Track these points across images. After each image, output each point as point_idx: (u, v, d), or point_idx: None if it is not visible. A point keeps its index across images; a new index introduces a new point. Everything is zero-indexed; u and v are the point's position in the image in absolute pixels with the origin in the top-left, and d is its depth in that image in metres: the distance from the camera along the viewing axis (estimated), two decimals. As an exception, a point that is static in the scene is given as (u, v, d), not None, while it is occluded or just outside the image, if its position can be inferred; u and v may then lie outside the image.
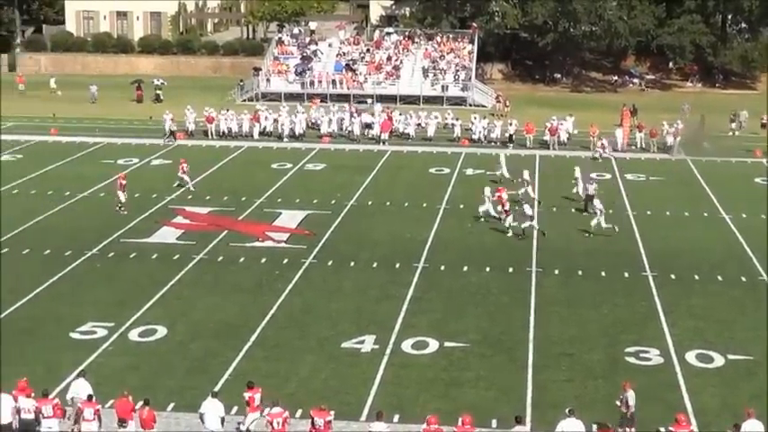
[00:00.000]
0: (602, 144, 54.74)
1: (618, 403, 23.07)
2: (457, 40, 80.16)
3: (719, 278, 34.52)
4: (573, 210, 42.98)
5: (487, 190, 41.42)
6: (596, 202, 40.14)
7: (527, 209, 39.15)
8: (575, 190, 44.58)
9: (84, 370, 24.50)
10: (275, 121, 59.43)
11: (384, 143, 57.61)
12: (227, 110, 61.47)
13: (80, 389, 23.06)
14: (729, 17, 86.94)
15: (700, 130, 58.85)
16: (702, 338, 28.99)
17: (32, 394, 22.45)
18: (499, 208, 40.17)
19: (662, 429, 22.72)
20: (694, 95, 77.07)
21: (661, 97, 78.50)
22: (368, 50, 78.96)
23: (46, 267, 34.73)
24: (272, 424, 21.82)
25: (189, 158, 50.41)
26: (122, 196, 42.10)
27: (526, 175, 44.79)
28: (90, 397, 22.61)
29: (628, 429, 22.65)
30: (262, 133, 58.89)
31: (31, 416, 22.06)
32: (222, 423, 22.29)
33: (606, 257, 36.54)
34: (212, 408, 22.31)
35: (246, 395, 22.80)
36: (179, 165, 46.81)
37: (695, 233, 40.20)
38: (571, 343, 28.62)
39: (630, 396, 22.83)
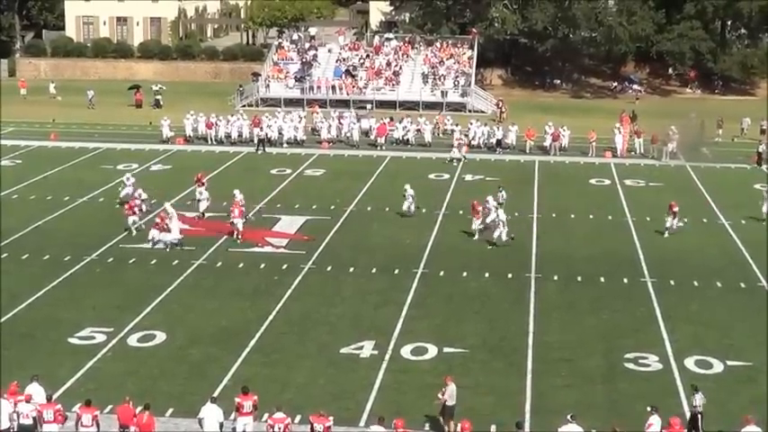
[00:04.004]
0: (459, 143, 55.33)
1: (440, 396, 23.42)
2: (456, 45, 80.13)
3: (719, 284, 34.51)
4: (572, 216, 43.02)
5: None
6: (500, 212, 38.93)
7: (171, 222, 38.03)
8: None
9: (36, 374, 24.00)
10: (279, 129, 59.16)
11: (381, 147, 57.63)
12: (235, 115, 61.37)
13: (36, 393, 22.93)
14: (729, 23, 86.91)
15: (699, 135, 58.89)
16: (701, 345, 28.99)
17: (31, 400, 22.47)
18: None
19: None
20: (694, 102, 77.04)
21: (660, 103, 78.46)
22: (367, 56, 78.94)
23: (45, 272, 34.74)
24: (273, 429, 21.85)
25: (189, 165, 50.59)
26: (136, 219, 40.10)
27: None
28: (49, 398, 22.67)
29: (452, 422, 22.98)
30: (263, 139, 58.77)
31: (30, 421, 22.06)
32: (221, 428, 22.32)
33: (605, 263, 36.54)
34: (211, 413, 22.36)
35: (236, 400, 22.89)
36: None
37: (694, 239, 40.18)
38: (570, 349, 28.63)
39: (449, 390, 23.23)
